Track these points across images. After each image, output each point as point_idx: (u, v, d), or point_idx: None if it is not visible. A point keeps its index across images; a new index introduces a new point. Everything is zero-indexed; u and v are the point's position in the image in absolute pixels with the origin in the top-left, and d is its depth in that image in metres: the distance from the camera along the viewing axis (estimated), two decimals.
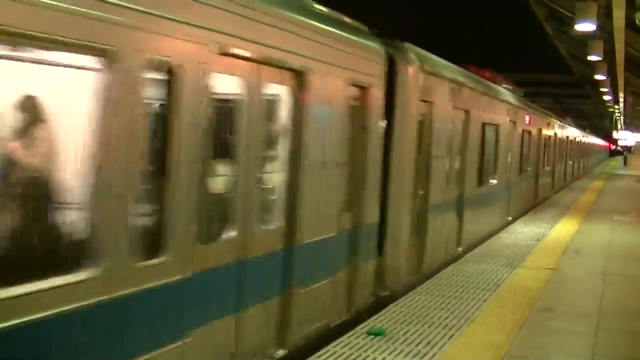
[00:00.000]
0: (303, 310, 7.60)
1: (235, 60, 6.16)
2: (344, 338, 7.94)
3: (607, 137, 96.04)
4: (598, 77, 29.55)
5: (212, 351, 6.04)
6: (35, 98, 4.55)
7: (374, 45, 9.72)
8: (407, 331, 8.35)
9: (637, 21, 16.47)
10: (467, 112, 14.25)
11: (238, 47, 6.11)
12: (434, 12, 39.61)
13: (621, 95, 37.45)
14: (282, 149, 7.39)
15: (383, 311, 9.17)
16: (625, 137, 74.38)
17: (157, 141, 5.28)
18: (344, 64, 8.51)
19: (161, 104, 5.37)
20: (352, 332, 8.17)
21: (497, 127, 17.44)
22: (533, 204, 24.78)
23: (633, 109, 45.69)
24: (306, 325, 7.71)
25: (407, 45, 10.81)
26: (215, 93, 5.89)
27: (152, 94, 5.20)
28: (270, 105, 7.14)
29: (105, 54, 4.57)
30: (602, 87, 36.00)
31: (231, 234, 6.38)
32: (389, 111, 10.20)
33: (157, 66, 5.10)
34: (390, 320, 8.77)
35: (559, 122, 33.51)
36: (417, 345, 7.85)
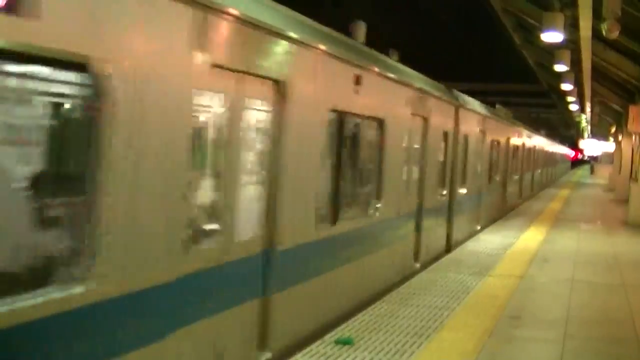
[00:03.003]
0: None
1: None
2: (312, 347, 7.87)
3: (574, 146, 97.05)
4: (565, 86, 29.80)
5: None
6: None
7: None
8: (376, 340, 8.30)
9: (603, 32, 16.62)
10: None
11: None
12: (399, 20, 39.73)
13: (588, 104, 37.79)
14: None
15: (351, 320, 9.12)
16: (591, 146, 75.16)
17: None
18: None
19: None
20: (320, 341, 8.11)
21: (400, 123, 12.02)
22: (471, 233, 18.78)
23: (599, 118, 46.14)
24: None
25: None
26: None
27: None
28: None
29: None
30: (569, 96, 36.31)
31: None
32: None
33: None
34: (358, 329, 8.72)
35: (517, 127, 29.49)
36: (386, 354, 7.81)
